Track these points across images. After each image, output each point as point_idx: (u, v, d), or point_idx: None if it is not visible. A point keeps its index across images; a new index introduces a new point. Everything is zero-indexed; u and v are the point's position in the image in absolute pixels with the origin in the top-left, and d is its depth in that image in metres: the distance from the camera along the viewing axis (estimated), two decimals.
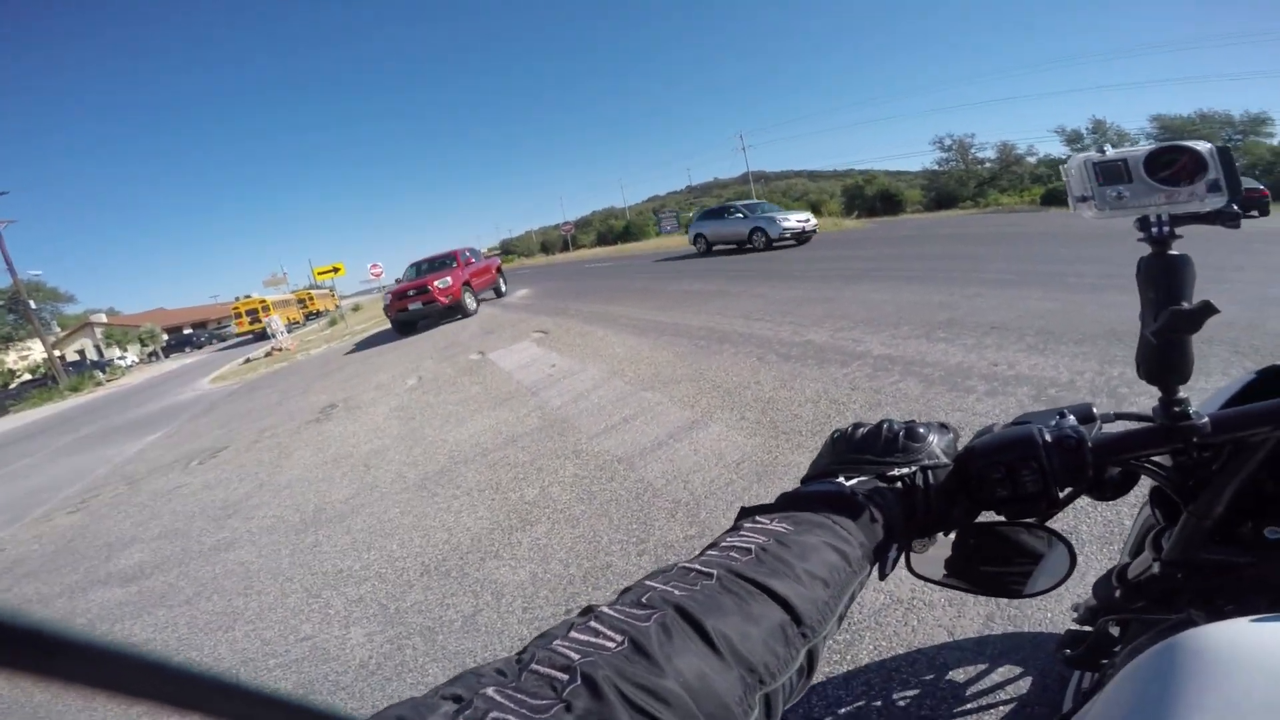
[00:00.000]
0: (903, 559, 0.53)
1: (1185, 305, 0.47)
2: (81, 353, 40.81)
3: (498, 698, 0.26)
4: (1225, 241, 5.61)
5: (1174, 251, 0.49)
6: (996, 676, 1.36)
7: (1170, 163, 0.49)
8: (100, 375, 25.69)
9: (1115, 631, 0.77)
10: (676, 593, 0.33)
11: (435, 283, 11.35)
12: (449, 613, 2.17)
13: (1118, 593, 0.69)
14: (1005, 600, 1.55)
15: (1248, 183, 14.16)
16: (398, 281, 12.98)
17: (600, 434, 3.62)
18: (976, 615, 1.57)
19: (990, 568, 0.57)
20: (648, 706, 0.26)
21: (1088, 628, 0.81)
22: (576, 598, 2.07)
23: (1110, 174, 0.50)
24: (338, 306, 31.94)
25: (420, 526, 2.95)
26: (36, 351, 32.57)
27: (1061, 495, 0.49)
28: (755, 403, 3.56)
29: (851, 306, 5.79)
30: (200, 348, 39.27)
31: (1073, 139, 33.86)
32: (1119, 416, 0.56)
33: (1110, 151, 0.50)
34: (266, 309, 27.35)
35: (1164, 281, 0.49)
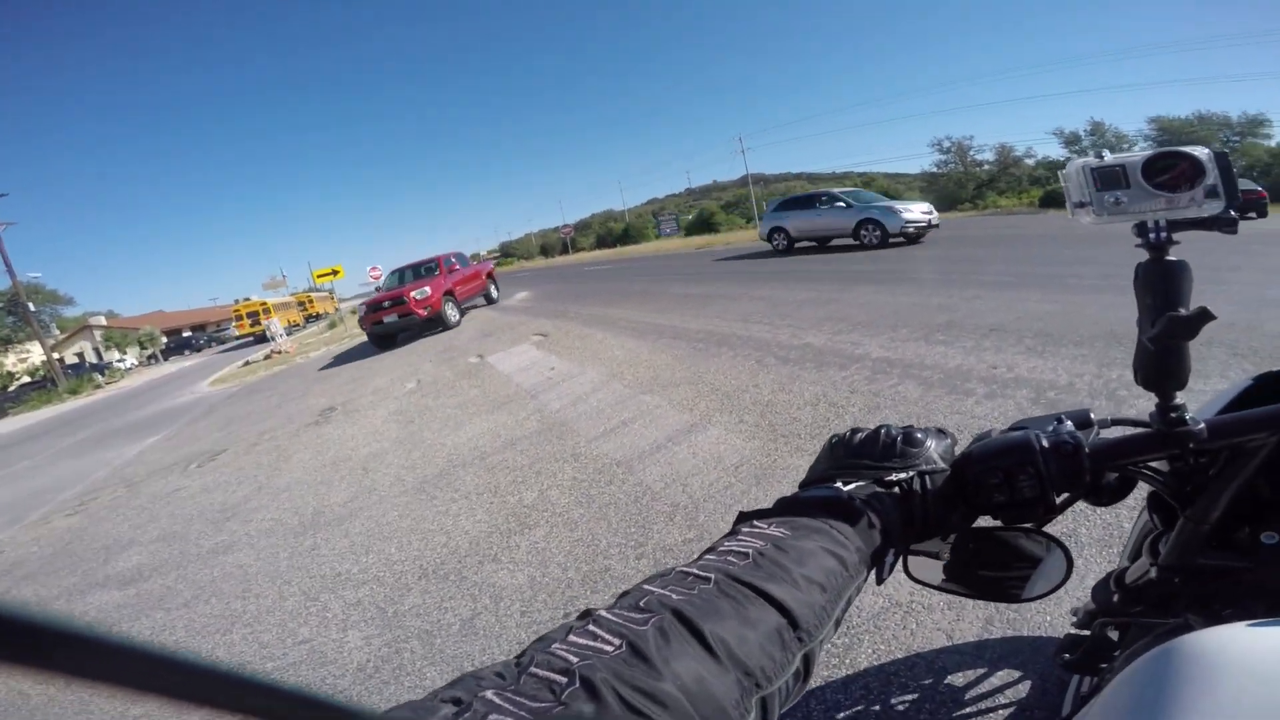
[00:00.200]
0: (900, 564, 0.54)
1: (1182, 311, 0.47)
2: (80, 355, 40.78)
3: (497, 700, 0.26)
4: (1223, 243, 5.62)
5: (1171, 257, 0.49)
6: (996, 680, 1.36)
7: (1167, 168, 0.49)
8: (99, 378, 25.64)
9: (1114, 636, 0.77)
10: (674, 597, 0.33)
11: (412, 293, 10.30)
12: (447, 616, 2.16)
13: (1115, 597, 0.69)
14: (1004, 604, 1.55)
15: (1246, 184, 14.23)
16: (376, 290, 12.06)
17: (599, 437, 3.62)
18: (976, 619, 1.57)
19: (988, 572, 0.57)
20: (645, 709, 0.26)
21: (1086, 632, 0.81)
22: (575, 601, 2.07)
23: (1108, 179, 0.50)
24: (337, 309, 31.96)
25: (418, 530, 2.94)
26: (35, 354, 32.53)
27: (1058, 500, 0.49)
28: (754, 406, 3.56)
29: (850, 309, 5.80)
30: (199, 350, 39.25)
31: (1071, 141, 33.97)
32: (1116, 422, 0.56)
33: (1108, 157, 0.51)
34: (267, 311, 27.35)
35: (1161, 287, 0.49)
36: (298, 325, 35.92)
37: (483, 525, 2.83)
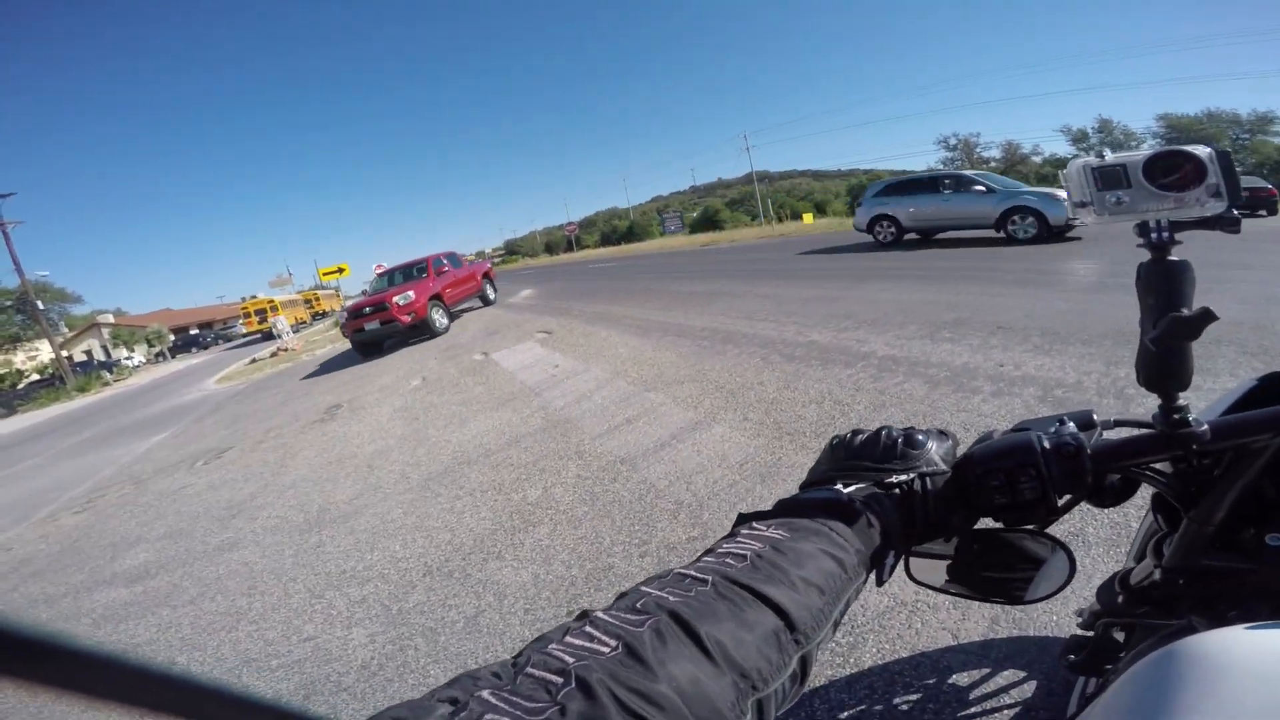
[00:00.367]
0: (902, 566, 0.53)
1: (1185, 312, 0.47)
2: (89, 353, 41.17)
3: (493, 700, 0.26)
4: (1231, 241, 5.57)
5: (1174, 257, 0.49)
6: (1000, 680, 1.35)
7: (1169, 168, 0.48)
8: (107, 375, 25.89)
9: (1119, 637, 0.77)
10: (671, 598, 0.33)
11: (395, 299, 9.43)
12: (451, 614, 2.17)
13: (1120, 598, 0.68)
14: (1009, 605, 1.54)
15: (1255, 182, 14.03)
16: (364, 293, 11.37)
17: (603, 435, 3.62)
18: (981, 619, 1.56)
19: (992, 574, 0.57)
20: (641, 710, 0.26)
21: (1091, 633, 0.81)
22: (579, 599, 2.08)
23: (1109, 179, 0.50)
24: (343, 307, 32.14)
25: (423, 527, 2.96)
26: (44, 352, 32.90)
27: (1060, 502, 0.48)
28: (759, 404, 3.55)
29: (856, 305, 5.78)
30: (206, 348, 39.52)
31: (1079, 138, 33.83)
32: (1119, 423, 0.55)
33: (1109, 156, 0.50)
34: (275, 309, 27.53)
35: (1164, 288, 0.48)
36: (304, 323, 36.15)
37: (487, 522, 2.84)
